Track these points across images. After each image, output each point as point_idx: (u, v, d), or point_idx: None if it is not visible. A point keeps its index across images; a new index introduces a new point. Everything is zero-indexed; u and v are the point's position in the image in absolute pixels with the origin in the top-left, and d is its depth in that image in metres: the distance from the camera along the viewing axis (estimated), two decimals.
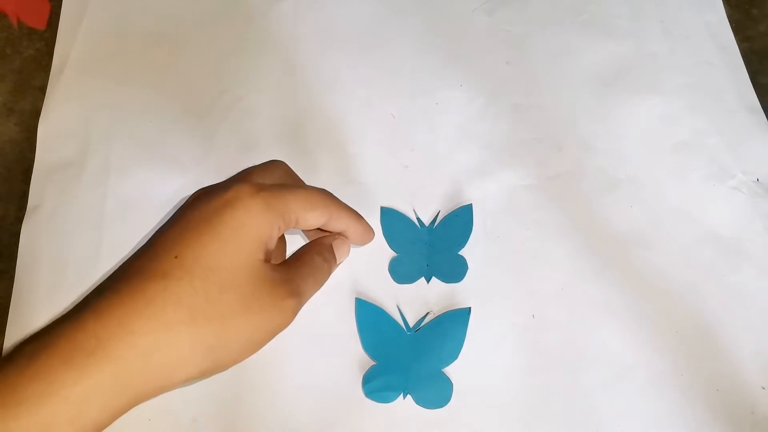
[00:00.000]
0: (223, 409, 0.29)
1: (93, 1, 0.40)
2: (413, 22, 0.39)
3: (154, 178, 0.34)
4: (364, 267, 0.32)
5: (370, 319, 0.31)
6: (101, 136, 0.36)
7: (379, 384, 0.29)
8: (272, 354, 0.28)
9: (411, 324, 0.31)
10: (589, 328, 0.31)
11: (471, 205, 0.33)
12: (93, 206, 0.34)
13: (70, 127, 0.36)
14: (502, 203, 0.34)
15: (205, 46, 0.39)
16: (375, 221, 0.33)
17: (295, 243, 0.31)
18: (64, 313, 0.24)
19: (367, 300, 0.31)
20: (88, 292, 0.30)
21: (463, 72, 0.38)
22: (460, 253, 0.32)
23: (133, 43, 0.39)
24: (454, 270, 0.32)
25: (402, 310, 0.31)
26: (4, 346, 0.30)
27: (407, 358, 0.30)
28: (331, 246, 0.29)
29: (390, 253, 0.32)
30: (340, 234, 0.29)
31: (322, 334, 0.30)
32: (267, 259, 0.25)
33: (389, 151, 0.35)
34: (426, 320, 0.31)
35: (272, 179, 0.27)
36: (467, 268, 0.32)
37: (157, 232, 0.25)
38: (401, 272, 0.32)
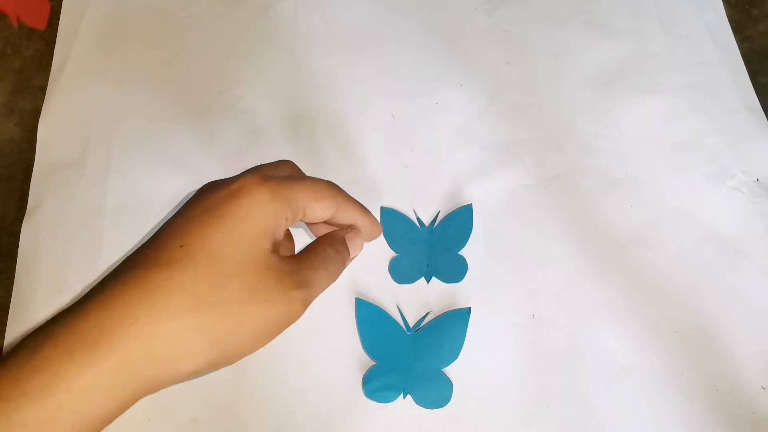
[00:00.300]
0: (223, 409, 0.29)
1: (93, 1, 0.40)
2: (413, 21, 0.39)
3: (154, 178, 0.34)
4: (364, 267, 0.32)
5: (370, 319, 0.31)
6: (101, 136, 0.36)
7: (379, 384, 0.29)
8: (272, 354, 0.28)
9: (411, 324, 0.31)
10: (589, 328, 0.31)
11: (471, 205, 0.33)
12: (93, 206, 0.34)
13: (70, 127, 0.36)
14: (502, 203, 0.34)
15: (205, 46, 0.39)
16: None
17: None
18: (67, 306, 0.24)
19: (367, 300, 0.31)
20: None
21: (463, 72, 0.38)
22: (460, 253, 0.32)
23: (133, 43, 0.39)
24: (454, 270, 0.32)
25: (402, 310, 0.31)
26: (4, 346, 0.30)
27: (407, 358, 0.30)
28: (344, 239, 0.28)
29: (390, 253, 0.32)
30: (350, 227, 0.29)
31: (322, 334, 0.30)
32: (274, 250, 0.24)
33: (389, 151, 0.35)
34: (426, 320, 0.31)
35: (280, 174, 0.27)
36: (467, 268, 0.32)
37: (163, 225, 0.25)
38: (401, 272, 0.32)
